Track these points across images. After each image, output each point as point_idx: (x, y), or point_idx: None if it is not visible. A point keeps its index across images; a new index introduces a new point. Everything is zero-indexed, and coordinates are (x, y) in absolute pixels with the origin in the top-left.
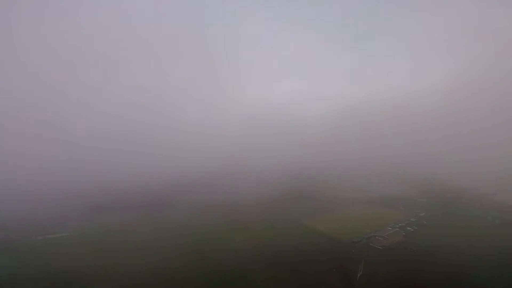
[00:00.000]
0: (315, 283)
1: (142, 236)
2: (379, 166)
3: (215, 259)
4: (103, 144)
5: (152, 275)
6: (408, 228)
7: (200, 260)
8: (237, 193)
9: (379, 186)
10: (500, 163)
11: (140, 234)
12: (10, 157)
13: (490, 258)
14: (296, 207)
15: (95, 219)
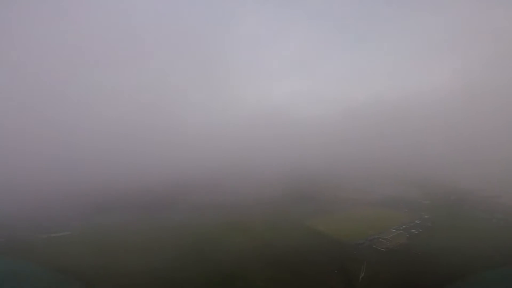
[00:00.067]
0: (317, 284)
1: (142, 236)
2: (381, 167)
3: (215, 259)
4: (103, 144)
5: (152, 275)
6: (413, 230)
7: (200, 260)
8: (237, 194)
9: (382, 187)
10: (505, 164)
11: (140, 234)
12: (10, 157)
13: (495, 260)
14: (297, 208)
15: (95, 219)
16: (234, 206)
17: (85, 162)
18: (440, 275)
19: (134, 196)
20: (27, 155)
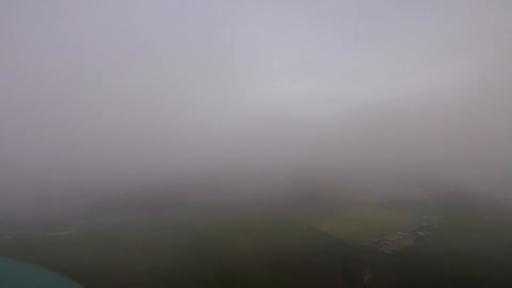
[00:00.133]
0: (319, 285)
1: (142, 236)
2: (385, 167)
3: (215, 259)
4: (103, 144)
5: (152, 275)
6: (420, 232)
7: (200, 260)
8: (238, 194)
9: (386, 188)
10: None
11: (140, 234)
12: (10, 157)
13: (504, 265)
14: (300, 208)
15: (95, 219)
16: (235, 207)
17: (85, 162)
18: (447, 278)
19: (134, 196)
20: (27, 155)
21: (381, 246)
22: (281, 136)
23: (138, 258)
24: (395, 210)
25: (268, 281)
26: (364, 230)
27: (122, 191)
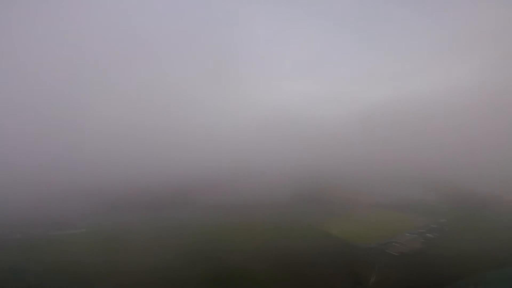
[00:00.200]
0: (321, 286)
1: (142, 235)
2: (392, 168)
3: (216, 259)
4: (103, 144)
5: (152, 274)
6: (428, 234)
7: (201, 260)
8: (238, 194)
9: (395, 189)
10: None
11: (140, 234)
12: (10, 157)
13: None
14: (305, 209)
15: (95, 219)
16: (235, 206)
17: (86, 162)
18: (455, 281)
19: (134, 196)
20: (27, 155)
21: (389, 248)
22: (282, 136)
23: (138, 257)
24: (402, 211)
25: (269, 281)
26: (371, 231)
27: (123, 191)
